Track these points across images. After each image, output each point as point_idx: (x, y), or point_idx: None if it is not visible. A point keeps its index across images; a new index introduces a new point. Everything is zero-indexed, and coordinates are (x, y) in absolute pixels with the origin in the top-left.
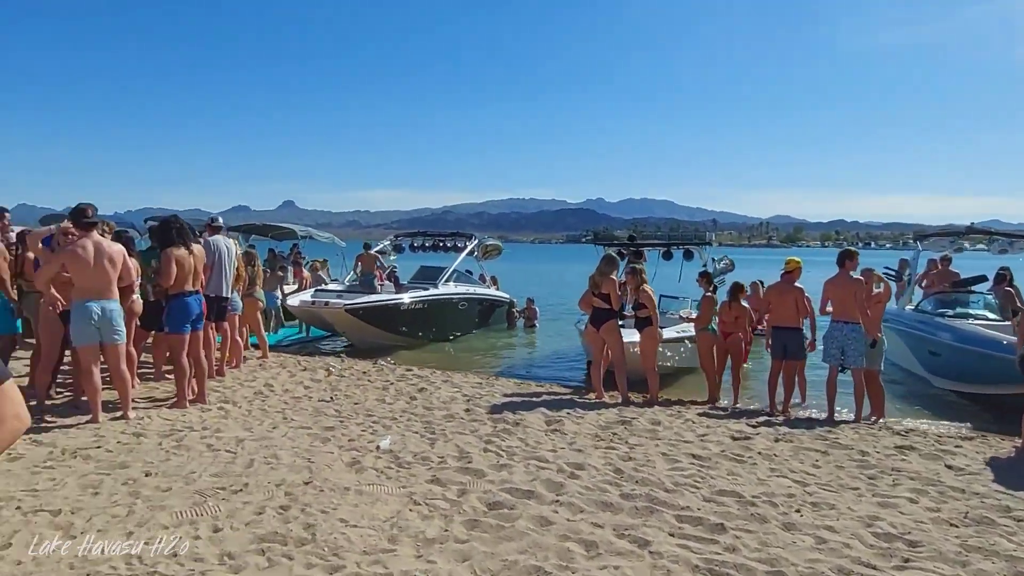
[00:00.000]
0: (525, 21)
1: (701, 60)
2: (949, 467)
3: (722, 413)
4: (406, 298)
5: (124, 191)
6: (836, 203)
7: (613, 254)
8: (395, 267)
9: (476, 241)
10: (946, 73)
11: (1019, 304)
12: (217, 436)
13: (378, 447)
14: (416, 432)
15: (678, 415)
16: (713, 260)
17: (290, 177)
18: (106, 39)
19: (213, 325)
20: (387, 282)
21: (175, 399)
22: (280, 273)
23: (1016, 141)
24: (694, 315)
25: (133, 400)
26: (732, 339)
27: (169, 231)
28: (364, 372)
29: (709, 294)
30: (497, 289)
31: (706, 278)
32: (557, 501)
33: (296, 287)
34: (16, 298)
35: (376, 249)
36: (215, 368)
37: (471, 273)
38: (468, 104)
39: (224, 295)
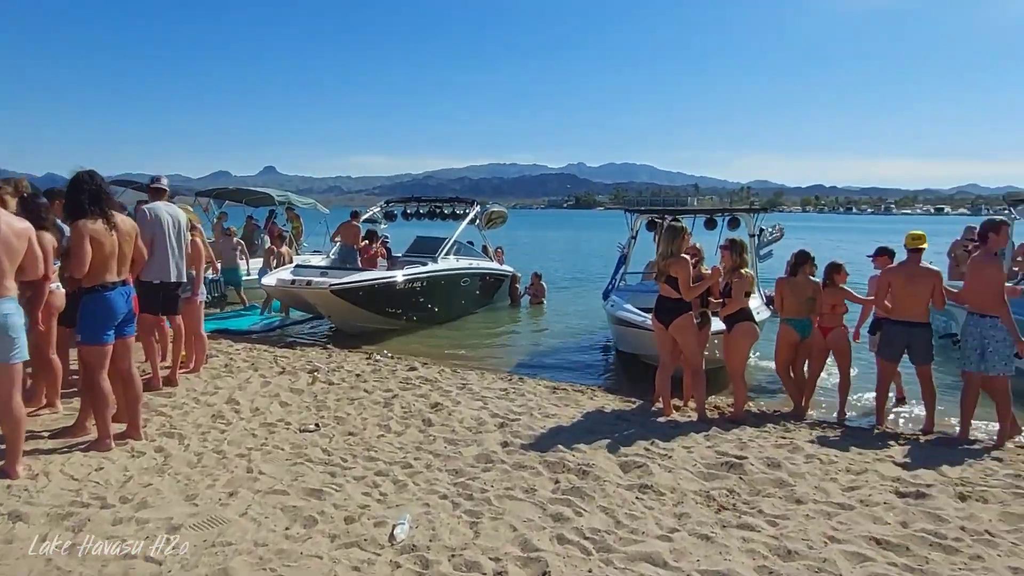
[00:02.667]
0: None
1: (682, 23)
2: None
3: (830, 436)
4: (400, 276)
5: (100, 156)
6: (814, 169)
7: (680, 224)
8: (387, 238)
9: (478, 208)
10: (923, 36)
11: None
12: (138, 520)
13: (391, 537)
14: (446, 496)
15: (788, 444)
16: (763, 229)
17: (271, 143)
18: (86, 7)
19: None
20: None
21: (94, 439)
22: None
23: (993, 105)
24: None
25: (49, 433)
26: (834, 335)
27: (79, 197)
28: (358, 375)
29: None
30: (503, 261)
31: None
32: None
33: (274, 263)
34: None
35: (365, 217)
36: (168, 374)
37: (472, 244)
38: (449, 69)
39: (172, 279)
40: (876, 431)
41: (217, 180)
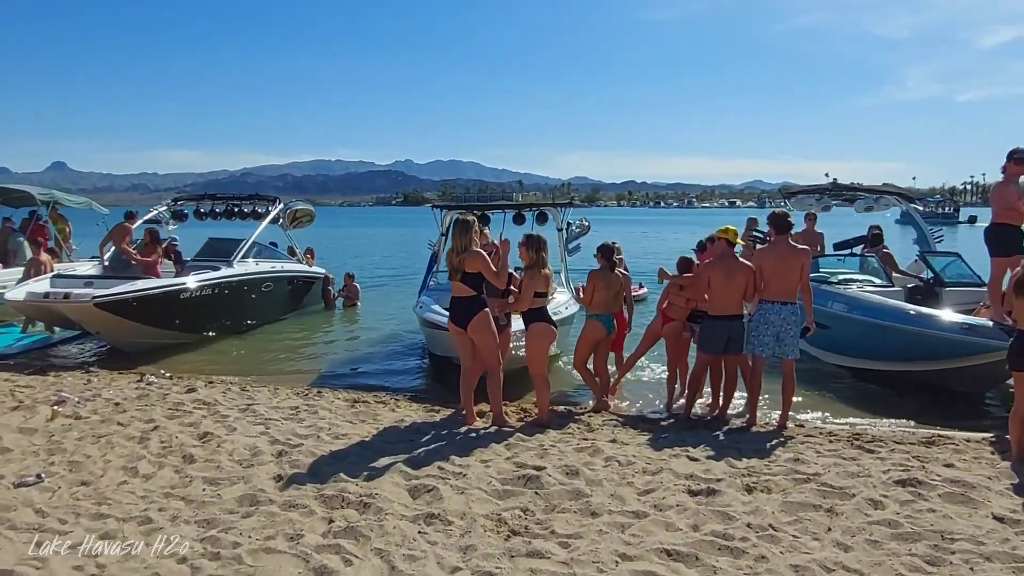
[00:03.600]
0: None
1: (505, 23)
2: (998, 518)
3: (632, 433)
4: (191, 282)
5: None
6: (628, 166)
7: (467, 218)
8: (175, 240)
9: (281, 205)
10: (717, 46)
11: (898, 267)
12: None
13: None
14: (184, 560)
15: (588, 447)
16: (570, 223)
17: (61, 135)
18: None
19: None
20: (165, 261)
21: None
22: None
23: (774, 109)
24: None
25: None
26: (674, 327)
27: None
28: (117, 404)
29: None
30: (312, 263)
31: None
32: None
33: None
34: None
35: (148, 216)
36: None
37: (276, 245)
38: (269, 59)
39: None
40: (673, 421)
41: None
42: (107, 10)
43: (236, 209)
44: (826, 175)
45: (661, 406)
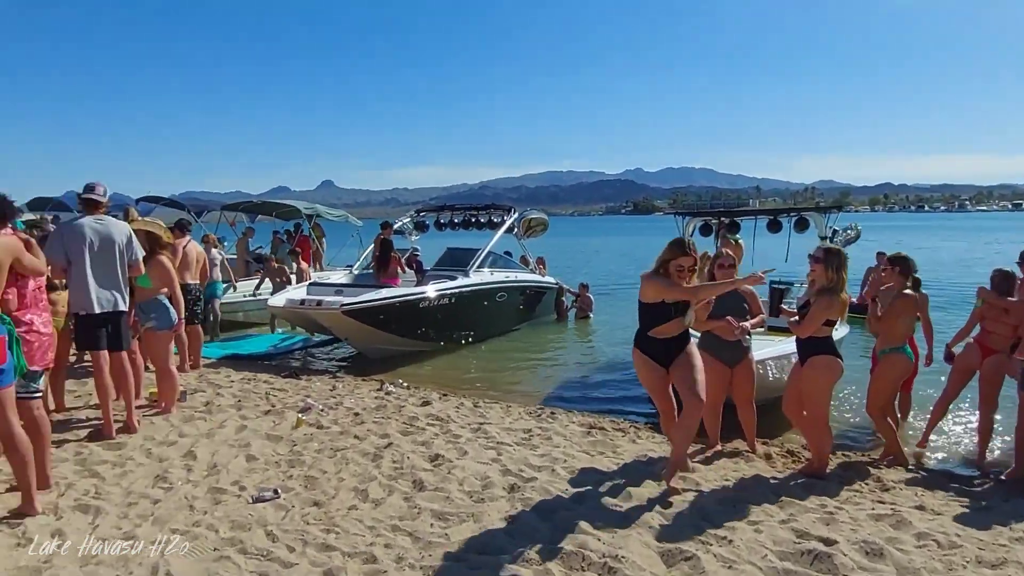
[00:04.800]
0: None
1: (742, 26)
2: None
3: (943, 498)
4: (430, 291)
5: (167, 176)
6: (882, 166)
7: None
8: (416, 250)
9: (516, 215)
10: (993, 20)
11: None
12: None
13: None
14: None
15: (889, 515)
16: (836, 231)
17: (329, 157)
18: (131, 29)
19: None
20: (408, 270)
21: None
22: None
23: None
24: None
25: None
26: (995, 362)
27: None
28: (357, 414)
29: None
30: (545, 272)
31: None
32: None
33: (294, 280)
34: None
35: (394, 228)
36: (126, 418)
37: (510, 255)
38: (504, 78)
39: (96, 310)
40: (992, 485)
41: (276, 195)
42: (361, 54)
43: (473, 219)
44: None
45: (971, 459)
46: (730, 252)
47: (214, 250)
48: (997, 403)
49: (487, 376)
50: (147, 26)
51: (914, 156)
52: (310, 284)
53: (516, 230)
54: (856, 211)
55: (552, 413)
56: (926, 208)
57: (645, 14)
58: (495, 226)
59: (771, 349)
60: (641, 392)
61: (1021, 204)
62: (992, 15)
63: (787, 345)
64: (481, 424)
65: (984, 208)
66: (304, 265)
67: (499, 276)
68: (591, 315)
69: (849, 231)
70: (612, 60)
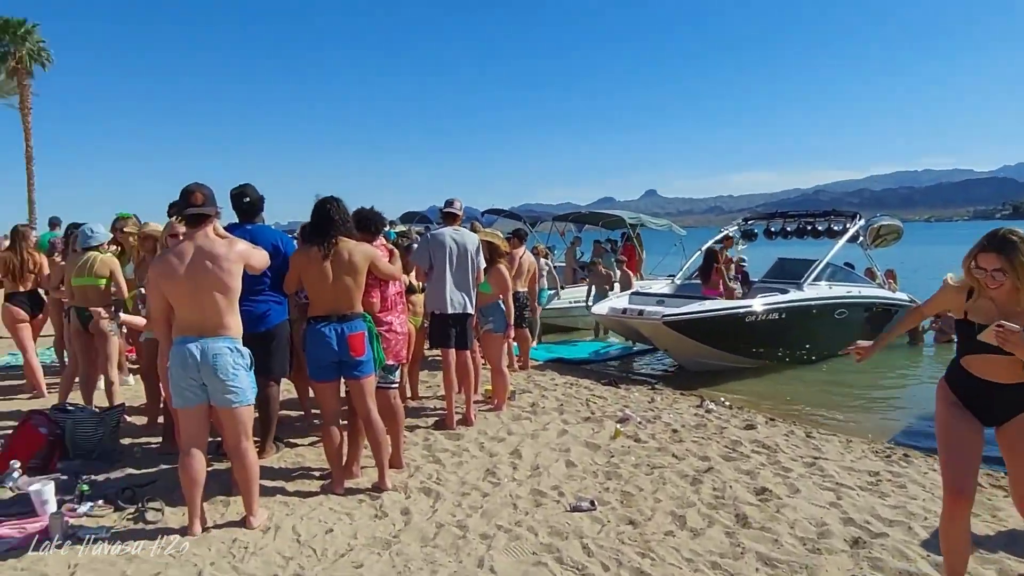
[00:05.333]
0: None
1: None
2: None
3: None
4: (758, 305)
5: (505, 190)
6: None
7: None
8: (743, 260)
9: (861, 222)
10: None
11: None
12: None
13: None
14: None
15: None
16: None
17: (652, 166)
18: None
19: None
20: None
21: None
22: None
23: None
24: None
25: (320, 474)
26: None
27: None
28: (675, 431)
29: None
30: (896, 287)
31: None
32: None
33: (618, 288)
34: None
35: (719, 236)
36: (464, 412)
37: (852, 267)
38: (839, 69)
39: (449, 311)
40: None
41: (602, 205)
42: (695, 55)
43: (809, 227)
44: None
45: None
46: None
47: (542, 259)
48: None
49: (822, 402)
50: (493, 47)
51: None
52: (632, 293)
53: (862, 239)
54: None
55: (905, 455)
56: None
57: None
58: (835, 235)
59: None
60: None
61: None
62: None
63: None
64: (816, 459)
65: None
66: (629, 273)
67: (839, 291)
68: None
69: None
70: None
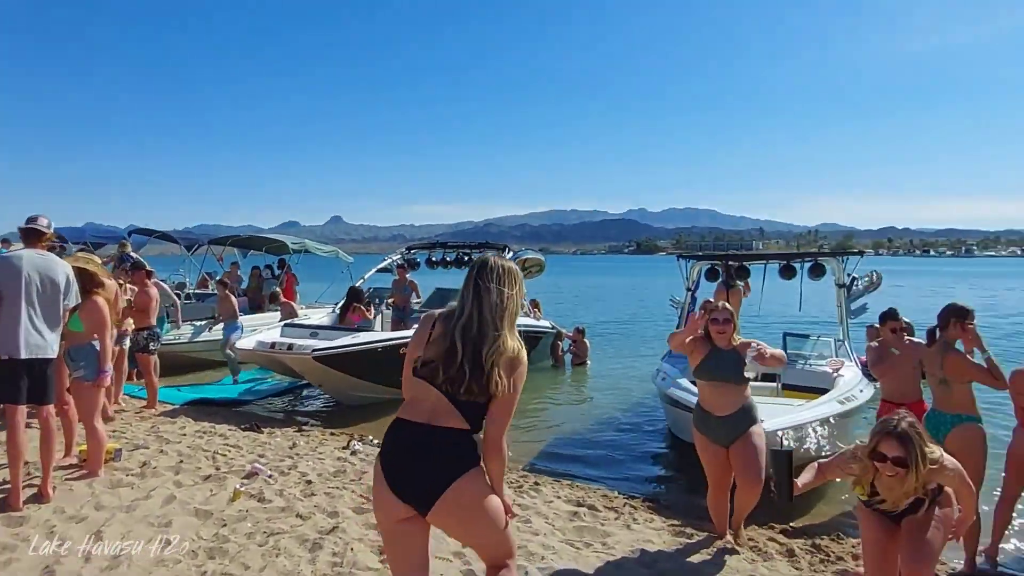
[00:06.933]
0: (563, 33)
1: (743, 71)
2: None
3: None
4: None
5: (181, 209)
6: (885, 209)
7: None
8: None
9: (511, 254)
10: (992, 70)
11: None
12: None
13: None
14: None
15: None
16: (855, 278)
17: (338, 193)
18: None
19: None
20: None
21: None
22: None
23: None
24: (844, 364)
25: None
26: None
27: None
28: (309, 482)
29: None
30: (540, 316)
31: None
32: None
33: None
34: None
35: (381, 265)
36: (41, 484)
37: None
38: (511, 118)
39: (22, 355)
40: None
41: (287, 229)
42: (380, 86)
43: (466, 257)
44: None
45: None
46: (727, 305)
47: (164, 287)
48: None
49: None
50: (153, 53)
51: (917, 200)
52: (285, 325)
53: None
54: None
55: (536, 483)
56: (931, 253)
57: (654, 59)
58: None
59: (789, 417)
60: (637, 450)
61: None
62: (992, 60)
63: (811, 410)
64: None
65: (992, 253)
66: (290, 303)
67: None
68: (588, 361)
69: (869, 277)
70: (617, 102)
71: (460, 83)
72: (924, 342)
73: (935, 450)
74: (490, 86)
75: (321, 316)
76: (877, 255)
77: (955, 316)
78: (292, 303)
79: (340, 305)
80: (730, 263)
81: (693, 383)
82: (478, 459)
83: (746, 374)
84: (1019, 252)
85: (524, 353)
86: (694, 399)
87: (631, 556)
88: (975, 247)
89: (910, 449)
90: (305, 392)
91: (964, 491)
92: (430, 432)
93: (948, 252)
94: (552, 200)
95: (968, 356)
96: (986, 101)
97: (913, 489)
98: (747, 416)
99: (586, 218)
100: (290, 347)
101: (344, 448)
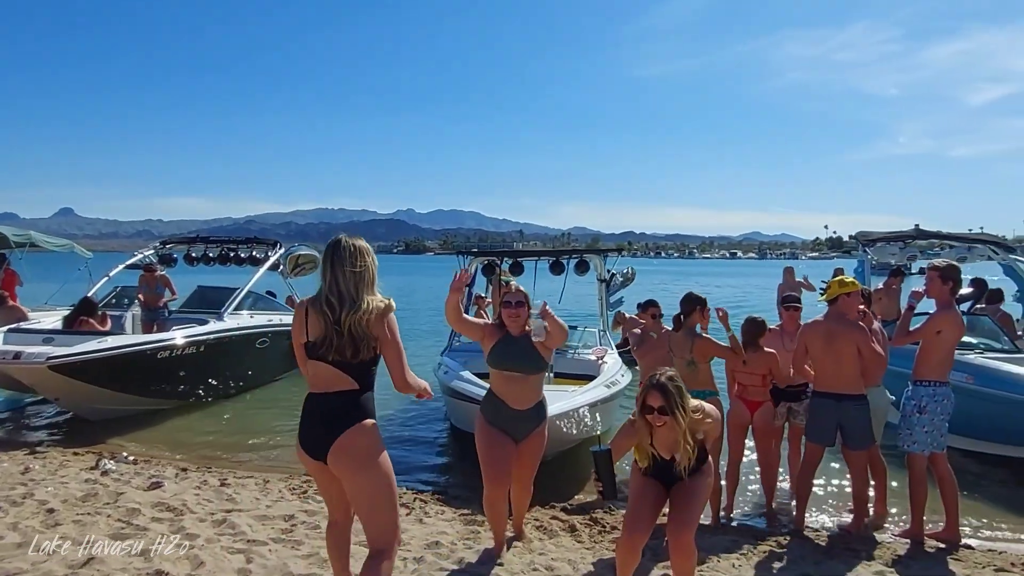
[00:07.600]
0: (332, 26)
1: (502, 76)
2: None
3: (753, 554)
4: (179, 339)
5: None
6: (626, 217)
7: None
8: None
9: (282, 250)
10: (711, 99)
11: (1015, 329)
12: None
13: None
14: None
15: None
16: (613, 274)
17: (69, 182)
18: None
19: None
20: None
21: None
22: None
23: (769, 163)
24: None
25: None
26: (762, 410)
27: None
28: (50, 511)
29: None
30: None
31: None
32: None
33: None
34: None
35: (131, 261)
36: None
37: (274, 295)
38: (272, 110)
39: None
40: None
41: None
42: (114, 61)
43: (232, 254)
44: (825, 227)
45: (756, 514)
46: (520, 287)
47: None
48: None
49: (243, 440)
50: None
51: (652, 208)
52: (8, 330)
53: (282, 268)
54: (607, 256)
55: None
56: (662, 254)
57: (419, 56)
58: (257, 262)
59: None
60: (421, 441)
61: (736, 253)
62: (715, 87)
63: (583, 395)
64: (229, 513)
65: (708, 256)
66: (18, 306)
67: (261, 320)
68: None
69: (626, 273)
70: (383, 101)
71: (218, 68)
72: (672, 328)
73: (694, 401)
74: (249, 74)
75: (54, 321)
76: (620, 256)
77: (700, 305)
78: (19, 305)
79: (67, 316)
80: (506, 260)
81: (479, 376)
82: (365, 415)
83: (534, 337)
84: (727, 255)
85: (392, 302)
86: (478, 391)
87: (426, 554)
88: (696, 250)
89: (671, 397)
90: (31, 409)
91: (718, 431)
92: (325, 398)
93: (675, 254)
94: (319, 198)
95: (711, 339)
96: (704, 123)
97: (684, 436)
98: (541, 412)
99: (355, 217)
100: (17, 356)
101: (93, 468)
